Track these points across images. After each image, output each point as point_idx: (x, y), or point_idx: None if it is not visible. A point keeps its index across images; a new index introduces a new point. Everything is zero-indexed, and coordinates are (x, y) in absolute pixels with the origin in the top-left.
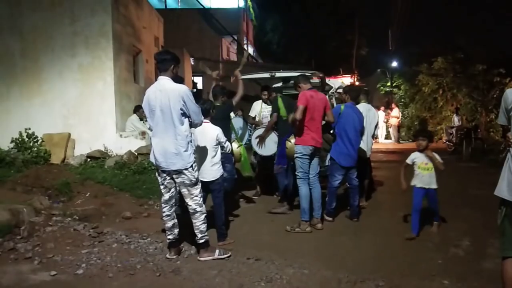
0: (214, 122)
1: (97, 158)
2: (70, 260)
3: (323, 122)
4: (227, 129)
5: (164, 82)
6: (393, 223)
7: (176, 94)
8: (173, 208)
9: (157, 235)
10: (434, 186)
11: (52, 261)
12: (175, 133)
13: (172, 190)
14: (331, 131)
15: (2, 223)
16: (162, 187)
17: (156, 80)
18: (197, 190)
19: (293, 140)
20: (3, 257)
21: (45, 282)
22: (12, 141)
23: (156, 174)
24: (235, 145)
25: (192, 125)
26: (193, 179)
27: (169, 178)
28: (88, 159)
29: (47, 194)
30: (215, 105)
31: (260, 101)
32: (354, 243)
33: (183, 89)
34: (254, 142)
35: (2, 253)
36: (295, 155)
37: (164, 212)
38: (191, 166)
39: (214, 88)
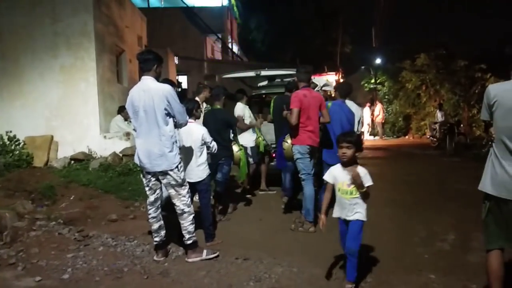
0: (216, 125)
1: (81, 160)
2: (55, 265)
3: None
4: (228, 132)
5: (148, 82)
6: (379, 219)
7: (160, 94)
8: (159, 210)
9: (143, 237)
10: (359, 216)
11: (36, 266)
12: (160, 133)
13: (158, 191)
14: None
15: None
16: (147, 188)
17: (139, 79)
18: (184, 191)
19: (289, 141)
20: None
21: None
22: None
23: (141, 175)
24: (235, 148)
25: (177, 125)
26: (179, 180)
27: (154, 179)
28: (72, 162)
29: (30, 198)
30: (216, 108)
31: (241, 104)
32: None
33: (167, 89)
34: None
35: None
36: (295, 157)
37: (150, 214)
38: (177, 167)
39: (215, 89)
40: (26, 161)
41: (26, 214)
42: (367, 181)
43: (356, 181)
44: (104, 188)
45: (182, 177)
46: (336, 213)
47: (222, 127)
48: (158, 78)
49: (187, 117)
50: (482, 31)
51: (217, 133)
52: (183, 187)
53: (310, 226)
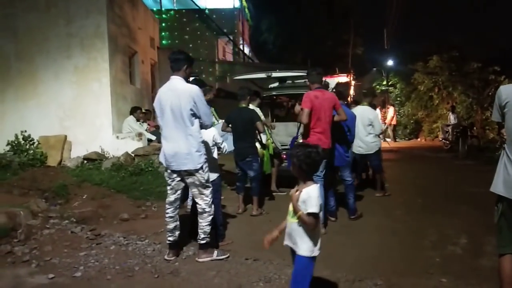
0: (243, 123)
1: (94, 160)
2: (67, 262)
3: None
4: (253, 131)
5: (176, 82)
6: (390, 221)
7: (187, 95)
8: (177, 210)
9: (155, 237)
10: (299, 249)
11: (49, 264)
12: (186, 133)
13: (179, 192)
14: None
15: None
16: (169, 188)
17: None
18: (207, 191)
19: (301, 141)
20: (0, 261)
21: (43, 285)
22: (8, 144)
23: (166, 174)
24: (258, 145)
25: (203, 126)
26: (203, 180)
27: (178, 179)
28: (85, 161)
29: (44, 197)
30: (242, 106)
31: (252, 105)
32: (351, 242)
33: (194, 90)
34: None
35: None
36: None
37: (168, 213)
38: (202, 167)
39: (241, 90)
40: (40, 161)
41: (39, 212)
42: (310, 207)
43: (292, 202)
44: (116, 188)
45: (206, 178)
46: (285, 239)
47: (248, 126)
48: (187, 78)
49: (213, 118)
50: (496, 33)
51: (244, 131)
52: (206, 188)
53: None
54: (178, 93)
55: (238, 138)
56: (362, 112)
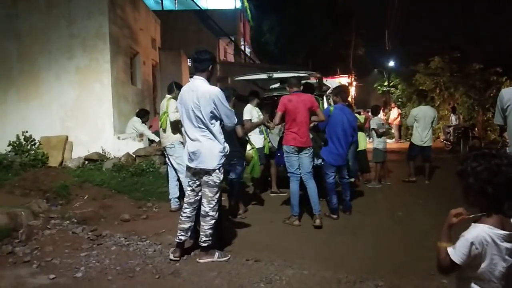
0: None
1: (95, 160)
2: (69, 263)
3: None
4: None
5: (198, 82)
6: (391, 222)
7: (207, 97)
8: (195, 211)
9: (156, 237)
10: None
11: (50, 264)
12: (207, 133)
13: (200, 194)
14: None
15: (0, 227)
16: (189, 189)
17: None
18: (216, 195)
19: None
20: (1, 261)
21: (44, 285)
22: (9, 144)
23: (187, 175)
24: (248, 147)
25: (225, 127)
26: (217, 182)
27: (198, 182)
28: (86, 162)
29: (45, 197)
30: None
31: (250, 105)
32: (353, 243)
33: (214, 92)
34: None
35: (0, 257)
36: (284, 155)
37: (185, 213)
38: (219, 168)
39: (225, 91)
40: (42, 161)
41: (41, 213)
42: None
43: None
44: (117, 188)
45: (220, 180)
46: None
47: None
48: (209, 78)
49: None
50: (498, 34)
51: (229, 134)
52: (216, 192)
53: (294, 220)
54: (198, 94)
55: (225, 140)
56: (426, 111)
